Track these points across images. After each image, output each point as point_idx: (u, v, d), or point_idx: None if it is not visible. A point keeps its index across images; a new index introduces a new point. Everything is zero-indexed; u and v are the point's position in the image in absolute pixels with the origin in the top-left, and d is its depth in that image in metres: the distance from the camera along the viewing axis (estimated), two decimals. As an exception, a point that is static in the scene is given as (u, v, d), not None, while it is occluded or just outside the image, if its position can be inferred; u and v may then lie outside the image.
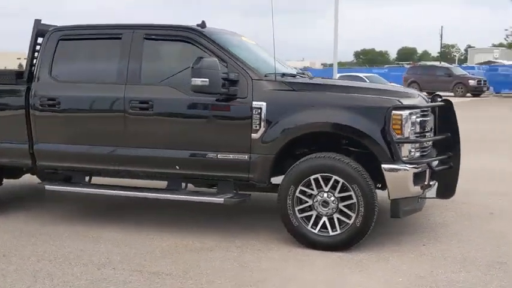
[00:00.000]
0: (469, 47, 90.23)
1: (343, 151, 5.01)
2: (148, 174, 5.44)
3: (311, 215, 4.88)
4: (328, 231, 4.83)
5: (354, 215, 4.74)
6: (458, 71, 31.14)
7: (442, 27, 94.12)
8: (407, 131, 4.72)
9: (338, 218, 4.81)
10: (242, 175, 5.06)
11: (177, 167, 5.20)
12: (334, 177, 4.74)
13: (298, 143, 5.04)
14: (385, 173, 4.66)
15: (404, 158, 4.67)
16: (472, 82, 29.16)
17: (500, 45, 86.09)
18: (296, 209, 4.88)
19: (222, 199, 5.09)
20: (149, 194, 5.37)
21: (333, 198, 4.79)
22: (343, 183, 4.73)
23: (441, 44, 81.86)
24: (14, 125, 5.67)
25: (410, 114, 4.75)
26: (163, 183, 5.67)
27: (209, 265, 4.56)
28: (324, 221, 4.84)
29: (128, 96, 5.23)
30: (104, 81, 5.43)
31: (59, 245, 5.09)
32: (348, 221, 4.77)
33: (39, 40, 5.80)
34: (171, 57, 5.49)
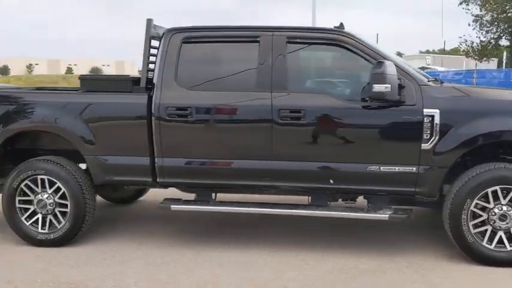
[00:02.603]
0: (398, 53, 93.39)
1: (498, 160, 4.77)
2: (292, 188, 4.94)
3: (486, 230, 4.60)
4: (505, 246, 4.57)
5: (536, 228, 4.50)
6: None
7: (377, 34, 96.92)
8: None
9: (516, 232, 4.57)
10: (407, 189, 4.69)
11: (331, 181, 4.76)
12: (516, 188, 4.49)
13: None
14: None
15: None
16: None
17: (427, 52, 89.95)
18: (470, 224, 4.58)
19: (387, 215, 4.72)
20: (300, 211, 4.91)
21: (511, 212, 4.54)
22: (524, 194, 4.49)
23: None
24: (131, 138, 5.00)
25: None
26: (287, 198, 5.28)
27: (405, 290, 4.18)
28: (500, 236, 4.57)
29: (276, 104, 4.73)
30: (244, 88, 4.89)
31: (208, 273, 4.53)
32: (528, 234, 4.54)
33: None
34: (318, 61, 5.04)
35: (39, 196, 5.14)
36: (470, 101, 4.69)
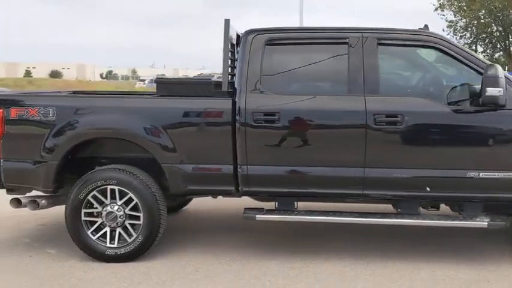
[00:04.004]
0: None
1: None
2: (385, 197, 4.74)
3: None
4: None
5: None
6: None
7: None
8: None
9: None
10: (507, 195, 4.56)
11: (427, 188, 4.59)
12: None
13: None
14: None
15: None
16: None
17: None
18: None
19: (485, 223, 4.58)
20: (392, 220, 4.72)
21: None
22: None
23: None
24: (213, 146, 4.72)
25: None
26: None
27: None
28: None
29: (370, 109, 4.53)
30: (334, 92, 4.69)
31: (306, 287, 4.28)
32: None
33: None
34: (409, 63, 4.87)
35: (109, 208, 4.78)
36: None
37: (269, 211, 4.84)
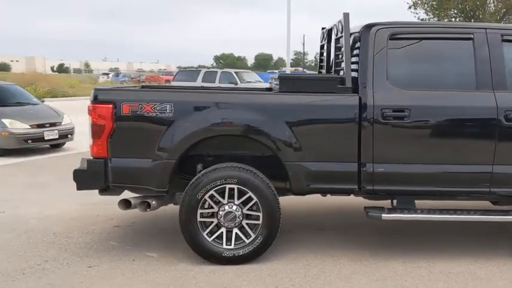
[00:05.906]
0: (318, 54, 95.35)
1: None
2: (509, 194, 4.72)
3: None
4: None
5: None
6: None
7: (304, 35, 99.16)
8: None
9: None
10: None
11: (555, 185, 4.61)
12: None
13: None
14: None
15: None
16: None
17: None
18: None
19: None
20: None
21: None
22: None
23: (303, 51, 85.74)
24: (338, 143, 4.57)
25: None
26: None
27: None
28: None
29: (501, 105, 4.51)
30: (461, 88, 4.63)
31: (445, 286, 4.22)
32: None
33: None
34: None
35: (227, 208, 4.57)
36: None
37: (391, 210, 4.73)
